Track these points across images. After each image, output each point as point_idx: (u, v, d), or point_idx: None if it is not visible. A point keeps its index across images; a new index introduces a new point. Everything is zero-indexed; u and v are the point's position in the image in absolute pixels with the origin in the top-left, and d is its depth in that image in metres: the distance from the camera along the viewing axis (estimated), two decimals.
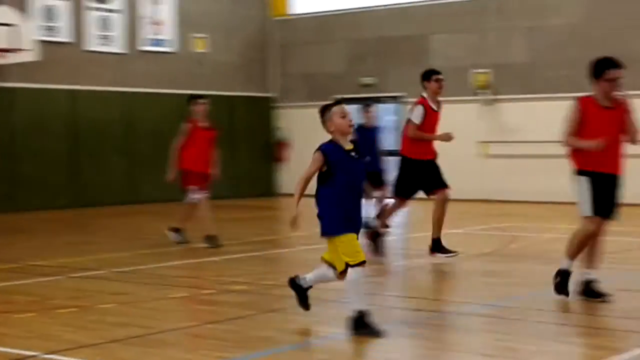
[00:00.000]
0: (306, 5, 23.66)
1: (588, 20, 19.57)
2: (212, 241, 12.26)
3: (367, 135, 14.31)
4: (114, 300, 8.51)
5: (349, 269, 6.87)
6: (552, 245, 12.05)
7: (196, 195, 12.50)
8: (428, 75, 11.30)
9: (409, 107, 21.46)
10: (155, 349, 6.67)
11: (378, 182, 14.28)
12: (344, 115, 7.29)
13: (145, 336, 7.00)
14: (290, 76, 23.49)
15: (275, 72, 23.69)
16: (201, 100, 12.85)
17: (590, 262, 8.30)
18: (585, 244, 8.19)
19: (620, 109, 8.15)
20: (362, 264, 6.87)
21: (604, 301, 8.07)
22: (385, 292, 9.30)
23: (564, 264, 8.27)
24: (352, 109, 22.04)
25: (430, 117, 11.12)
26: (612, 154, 8.10)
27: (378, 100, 22.52)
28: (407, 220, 15.91)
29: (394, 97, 22.26)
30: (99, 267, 10.57)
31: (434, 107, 11.22)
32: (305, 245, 12.92)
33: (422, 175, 11.10)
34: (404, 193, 11.25)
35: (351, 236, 6.94)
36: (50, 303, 8.43)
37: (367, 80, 22.36)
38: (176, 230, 12.71)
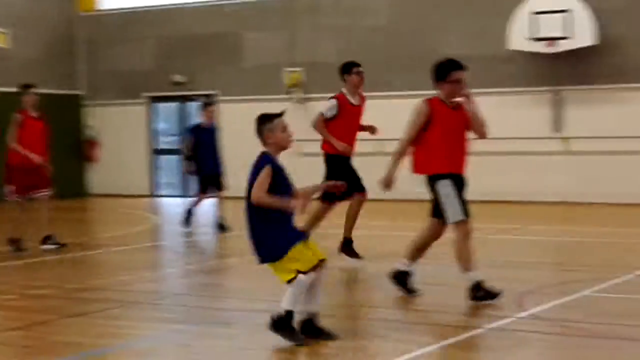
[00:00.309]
0: (114, 0, 23.18)
1: (396, 21, 20.13)
2: (17, 244, 11.77)
3: (205, 135, 13.97)
4: None
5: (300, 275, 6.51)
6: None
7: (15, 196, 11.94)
8: (348, 68, 10.95)
9: (220, 105, 21.66)
10: None
11: (217, 184, 14.03)
12: (285, 129, 6.88)
13: None
14: (98, 73, 22.94)
15: (83, 69, 23.08)
16: (32, 90, 12.35)
17: (413, 256, 8.42)
18: (469, 247, 8.05)
19: (462, 108, 8.28)
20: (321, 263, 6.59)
21: (414, 295, 8.30)
22: (197, 292, 9.24)
23: (470, 276, 8.03)
24: (168, 108, 21.80)
25: (348, 112, 10.71)
26: (461, 154, 8.22)
27: (190, 98, 22.42)
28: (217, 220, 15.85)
29: (205, 96, 22.18)
30: None
31: (354, 101, 10.83)
32: (115, 247, 12.69)
33: (346, 173, 10.43)
34: (331, 196, 10.30)
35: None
36: None
37: (178, 78, 22.17)
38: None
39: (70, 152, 22.47)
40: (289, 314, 6.55)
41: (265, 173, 6.71)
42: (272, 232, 6.64)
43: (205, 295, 9.07)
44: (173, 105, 22.85)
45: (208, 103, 14.17)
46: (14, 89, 13.94)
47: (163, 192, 22.60)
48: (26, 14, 21.73)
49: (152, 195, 22.21)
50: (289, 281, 6.54)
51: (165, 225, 16.75)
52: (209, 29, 21.94)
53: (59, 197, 22.07)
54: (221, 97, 21.83)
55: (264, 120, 6.99)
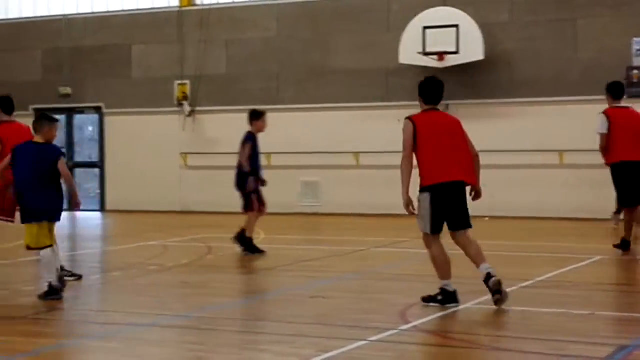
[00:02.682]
0: (1, 10, 22.63)
1: (286, 34, 20.22)
2: None
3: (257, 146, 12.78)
4: None
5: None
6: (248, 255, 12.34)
7: None
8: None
9: (109, 118, 21.34)
10: None
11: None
12: None
13: None
14: None
15: None
16: None
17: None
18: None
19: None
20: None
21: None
22: (79, 307, 9.05)
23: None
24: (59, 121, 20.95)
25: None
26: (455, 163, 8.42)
27: (77, 110, 22.04)
28: (105, 233, 15.61)
29: (95, 108, 21.84)
30: None
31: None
32: None
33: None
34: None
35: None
36: None
37: (65, 90, 21.76)
38: None
39: None
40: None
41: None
42: None
43: (87, 309, 8.89)
44: (60, 117, 22.39)
45: (262, 112, 12.94)
46: None
47: None
48: None
49: None
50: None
51: None
52: (97, 41, 21.63)
53: None
54: (108, 109, 21.57)
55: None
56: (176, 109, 20.96)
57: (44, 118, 9.25)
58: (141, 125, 21.30)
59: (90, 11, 21.91)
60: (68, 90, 21.72)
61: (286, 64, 19.93)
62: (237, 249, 12.70)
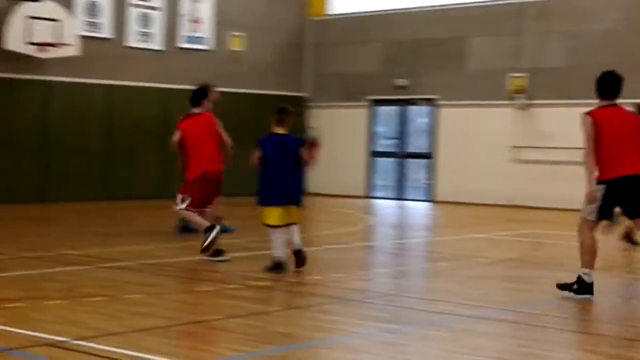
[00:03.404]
0: (343, 5, 23.82)
1: (625, 26, 19.53)
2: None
3: None
4: (141, 291, 8.72)
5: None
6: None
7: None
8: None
9: (441, 110, 21.79)
10: (178, 340, 6.89)
11: None
12: None
13: (169, 327, 7.20)
14: (324, 76, 23.66)
15: (309, 72, 23.86)
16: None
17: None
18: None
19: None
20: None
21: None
22: (407, 294, 9.44)
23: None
24: (388, 111, 22.07)
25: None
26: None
27: (411, 102, 22.69)
28: (433, 223, 16.02)
29: (428, 100, 22.36)
30: (127, 258, 10.79)
31: None
32: (331, 245, 13.10)
33: None
34: None
35: None
36: (80, 291, 8.66)
37: (401, 81, 22.47)
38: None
39: None
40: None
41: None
42: None
43: (416, 297, 9.25)
44: (393, 108, 23.20)
45: None
46: (247, 91, 14.62)
47: (378, 194, 22.99)
48: (261, 19, 22.73)
49: (367, 197, 22.65)
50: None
51: (378, 227, 17.07)
52: (434, 33, 22.10)
53: None
54: (442, 101, 21.97)
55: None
56: (507, 102, 20.95)
57: (286, 112, 10.11)
58: (472, 117, 21.52)
59: (428, 5, 22.43)
60: (404, 81, 22.42)
61: (627, 56, 19.19)
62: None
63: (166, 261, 10.71)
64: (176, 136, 11.26)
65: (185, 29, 21.44)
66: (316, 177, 23.24)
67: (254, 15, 22.64)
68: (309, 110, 23.80)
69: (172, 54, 21.15)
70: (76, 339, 6.55)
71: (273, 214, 9.85)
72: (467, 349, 6.76)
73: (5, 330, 6.78)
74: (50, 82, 19.14)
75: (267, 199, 9.88)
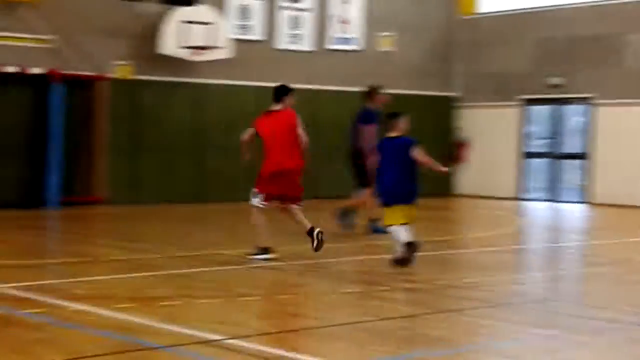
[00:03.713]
0: (493, 4, 23.37)
1: None
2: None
3: None
4: (292, 292, 8.75)
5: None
6: None
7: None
8: None
9: (599, 109, 21.08)
10: (329, 341, 6.83)
11: None
12: None
13: (319, 328, 7.16)
14: (474, 75, 23.25)
15: (459, 71, 23.52)
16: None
17: None
18: None
19: None
20: None
21: None
22: (565, 298, 9.10)
23: None
24: (541, 111, 21.45)
25: None
26: None
27: (566, 101, 22.03)
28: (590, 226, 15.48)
29: (583, 98, 21.66)
30: (278, 259, 10.84)
31: None
32: (483, 247, 12.83)
33: None
34: None
35: None
36: (232, 291, 8.74)
37: (555, 80, 21.85)
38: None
39: (440, 152, 22.99)
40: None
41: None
42: None
43: (574, 302, 8.91)
44: (546, 108, 22.59)
45: None
46: (397, 91, 14.52)
47: (530, 196, 22.41)
48: (410, 19, 22.57)
49: (518, 199, 22.13)
50: None
51: (531, 229, 16.63)
52: (589, 30, 21.40)
53: (425, 195, 22.83)
54: (599, 100, 21.25)
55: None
56: None
57: (396, 116, 10.41)
58: (631, 116, 20.71)
59: (583, 1, 21.74)
60: (559, 80, 21.79)
61: None
62: None
63: (317, 262, 10.70)
64: (248, 132, 11.22)
65: (334, 30, 21.50)
66: (466, 179, 22.92)
67: (403, 15, 22.49)
68: (458, 110, 23.46)
69: (322, 55, 21.25)
70: (229, 338, 6.58)
71: (394, 214, 10.13)
72: (627, 357, 6.44)
73: (159, 328, 6.89)
74: (203, 84, 19.55)
75: (387, 200, 10.23)
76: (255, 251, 10.77)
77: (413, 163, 10.25)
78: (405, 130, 10.43)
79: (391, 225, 10.18)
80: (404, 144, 10.29)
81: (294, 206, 11.00)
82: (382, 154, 10.42)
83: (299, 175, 11.04)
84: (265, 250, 10.75)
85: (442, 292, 9.07)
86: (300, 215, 10.99)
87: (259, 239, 10.77)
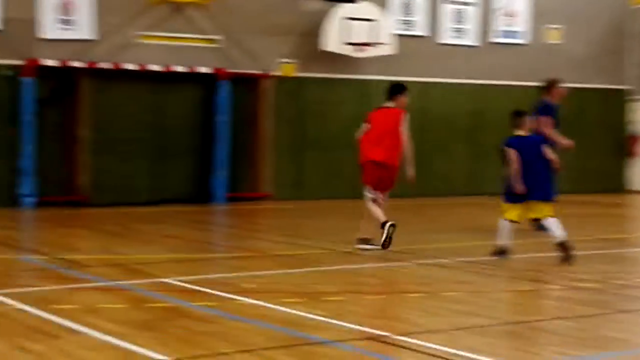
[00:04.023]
0: None
1: None
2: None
3: None
4: (460, 289, 8.55)
5: None
6: None
7: None
8: None
9: None
10: (501, 340, 6.61)
11: None
12: None
13: (491, 326, 6.95)
14: None
15: (632, 63, 22.58)
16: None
17: None
18: None
19: None
20: None
21: None
22: None
23: None
24: None
25: None
26: None
27: None
28: None
29: None
30: (442, 255, 10.68)
31: None
32: None
33: None
34: None
35: None
36: (398, 287, 8.64)
37: None
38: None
39: (611, 147, 22.19)
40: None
41: None
42: None
43: None
44: None
45: None
46: (565, 85, 14.09)
47: None
48: (579, 10, 21.87)
49: None
50: None
51: None
52: None
53: (594, 191, 22.11)
54: None
55: None
56: None
57: (522, 114, 10.66)
58: None
59: None
60: None
61: None
62: None
63: (482, 259, 10.45)
64: (363, 128, 11.32)
65: (500, 24, 21.05)
66: (638, 173, 22.03)
67: (571, 6, 21.79)
68: (631, 104, 22.53)
69: (486, 49, 20.85)
70: (397, 335, 6.47)
71: (516, 211, 10.35)
72: None
73: (326, 323, 6.85)
74: (366, 80, 19.52)
75: (515, 198, 10.34)
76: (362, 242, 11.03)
77: (547, 161, 10.53)
78: (529, 129, 10.66)
79: (514, 221, 10.40)
80: (538, 142, 10.62)
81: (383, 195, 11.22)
82: (520, 153, 10.42)
83: (390, 170, 11.11)
84: (367, 241, 11.00)
85: (617, 291, 8.66)
86: (375, 208, 11.06)
87: (369, 228, 11.00)
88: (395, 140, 11.07)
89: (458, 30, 20.54)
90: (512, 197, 10.40)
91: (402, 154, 11.09)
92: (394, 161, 11.09)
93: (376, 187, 11.17)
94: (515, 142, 10.50)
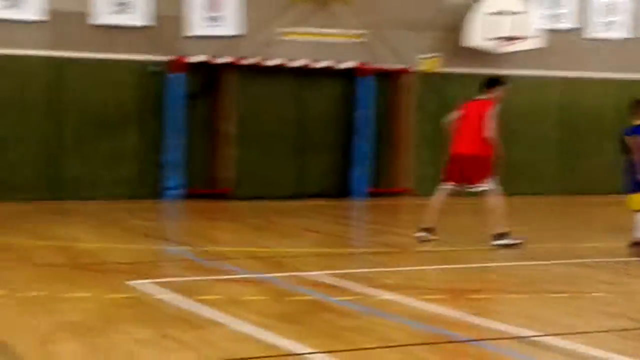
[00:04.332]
0: None
1: None
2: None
3: None
4: (605, 290, 8.32)
5: None
6: None
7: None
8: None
9: None
10: None
11: None
12: None
13: (635, 330, 6.72)
14: None
15: None
16: None
17: None
18: None
19: None
20: None
21: None
22: None
23: None
24: None
25: None
26: None
27: None
28: None
29: None
30: (585, 255, 10.41)
31: None
32: None
33: None
34: None
35: None
36: (540, 286, 8.47)
37: None
38: None
39: None
40: None
41: None
42: None
43: None
44: None
45: None
46: None
47: None
48: None
49: None
50: None
51: None
52: None
53: None
54: None
55: None
56: None
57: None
58: None
59: None
60: None
61: None
62: None
63: (625, 259, 10.13)
64: (452, 116, 11.48)
65: None
66: None
67: None
68: None
69: (638, 42, 20.14)
70: (541, 335, 6.34)
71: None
72: None
73: (469, 321, 6.78)
74: (510, 76, 19.16)
75: (633, 187, 10.50)
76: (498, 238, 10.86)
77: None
78: None
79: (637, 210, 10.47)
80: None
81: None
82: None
83: (472, 162, 11.09)
84: (502, 236, 10.84)
85: None
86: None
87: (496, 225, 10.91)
88: (478, 132, 11.05)
89: (608, 23, 19.87)
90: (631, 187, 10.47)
91: (489, 144, 11.05)
92: (477, 152, 11.05)
93: (459, 180, 11.28)
94: (633, 132, 10.48)
